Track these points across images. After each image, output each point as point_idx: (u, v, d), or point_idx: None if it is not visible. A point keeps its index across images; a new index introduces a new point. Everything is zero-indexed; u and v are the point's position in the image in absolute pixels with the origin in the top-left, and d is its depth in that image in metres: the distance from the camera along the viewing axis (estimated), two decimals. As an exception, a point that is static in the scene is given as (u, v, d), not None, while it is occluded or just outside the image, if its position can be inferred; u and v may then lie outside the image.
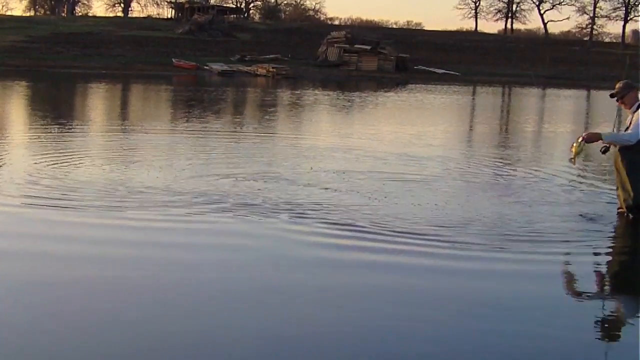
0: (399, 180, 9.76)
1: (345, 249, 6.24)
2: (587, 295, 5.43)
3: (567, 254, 6.37)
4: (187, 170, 9.93)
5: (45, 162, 10.33)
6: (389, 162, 11.63)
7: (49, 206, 7.50)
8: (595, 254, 6.45)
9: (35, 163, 10.21)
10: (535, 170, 11.30)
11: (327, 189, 8.84)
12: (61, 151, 11.53)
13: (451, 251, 6.23)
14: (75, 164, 10.21)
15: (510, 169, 11.49)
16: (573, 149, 7.72)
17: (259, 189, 8.62)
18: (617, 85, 7.79)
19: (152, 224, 6.95)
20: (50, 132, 14.64)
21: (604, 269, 6.23)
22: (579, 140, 7.66)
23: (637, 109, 7.54)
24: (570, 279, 5.84)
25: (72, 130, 15.36)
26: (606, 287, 5.78)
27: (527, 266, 5.91)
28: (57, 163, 10.24)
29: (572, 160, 7.82)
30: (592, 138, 7.64)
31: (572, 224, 7.32)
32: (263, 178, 9.46)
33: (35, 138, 13.86)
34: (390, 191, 8.81)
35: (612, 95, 7.81)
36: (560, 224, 7.28)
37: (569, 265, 6.19)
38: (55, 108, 22.52)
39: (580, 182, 10.05)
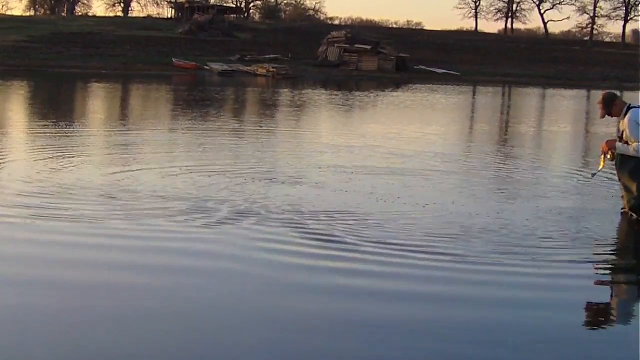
0: (420, 176, 10.01)
1: (324, 272, 5.62)
2: (587, 297, 5.38)
3: (568, 260, 6.09)
4: (193, 173, 9.76)
5: (33, 164, 10.01)
6: (414, 159, 11.81)
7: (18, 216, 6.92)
8: (597, 255, 6.43)
9: (23, 165, 9.97)
10: (551, 168, 11.55)
11: (334, 190, 8.82)
12: (52, 153, 11.16)
13: (445, 264, 5.91)
14: (62, 166, 9.85)
15: (521, 166, 11.66)
16: (601, 165, 7.90)
17: (263, 193, 8.32)
18: (599, 107, 7.78)
19: (131, 233, 6.46)
20: (43, 133, 14.22)
21: (605, 270, 6.19)
22: (601, 155, 7.81)
23: (626, 112, 7.53)
24: (569, 282, 5.65)
25: (66, 130, 15.01)
26: (607, 288, 5.76)
27: (521, 278, 5.61)
28: (43, 165, 9.88)
29: (594, 174, 8.32)
30: (610, 146, 7.67)
31: (574, 225, 7.30)
32: (276, 180, 9.30)
33: (26, 139, 13.62)
34: (406, 191, 8.81)
35: (602, 117, 7.85)
36: (561, 225, 7.26)
37: (568, 269, 5.92)
38: (53, 108, 22.44)
39: (585, 182, 10.05)
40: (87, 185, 8.47)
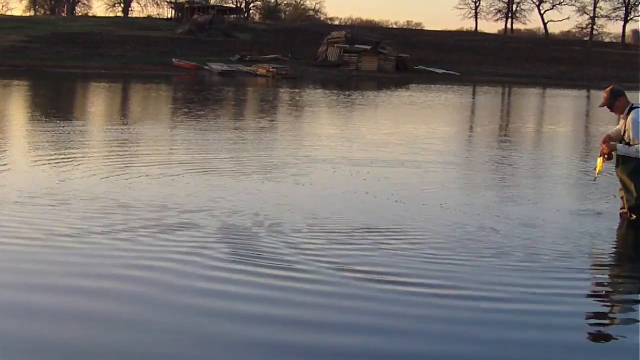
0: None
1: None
2: (587, 298, 5.36)
3: (565, 264, 5.95)
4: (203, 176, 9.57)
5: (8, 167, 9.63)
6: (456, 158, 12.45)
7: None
8: (595, 255, 6.42)
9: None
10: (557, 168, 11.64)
11: (347, 192, 8.79)
12: (38, 156, 10.81)
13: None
14: (40, 169, 9.42)
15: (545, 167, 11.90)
16: (598, 166, 7.79)
17: (276, 201, 7.76)
18: (604, 96, 7.74)
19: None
20: (34, 134, 13.94)
21: (604, 271, 6.19)
22: (599, 157, 7.72)
23: (629, 112, 7.51)
24: (568, 284, 5.52)
25: (59, 130, 14.55)
26: (606, 289, 5.74)
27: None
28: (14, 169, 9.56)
29: (595, 178, 8.25)
30: (610, 148, 7.59)
31: (572, 226, 7.29)
32: (297, 183, 9.12)
33: (12, 140, 13.36)
34: (431, 194, 8.77)
35: (601, 106, 7.80)
36: (560, 226, 7.26)
37: (567, 272, 5.78)
38: (51, 108, 22.34)
39: (585, 181, 10.06)
40: (50, 192, 7.89)
